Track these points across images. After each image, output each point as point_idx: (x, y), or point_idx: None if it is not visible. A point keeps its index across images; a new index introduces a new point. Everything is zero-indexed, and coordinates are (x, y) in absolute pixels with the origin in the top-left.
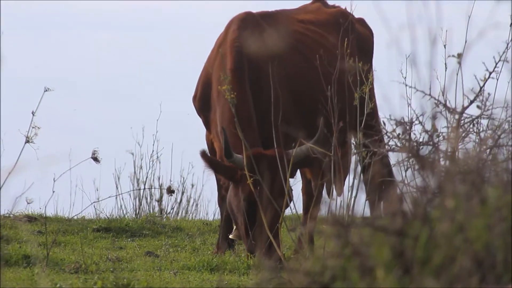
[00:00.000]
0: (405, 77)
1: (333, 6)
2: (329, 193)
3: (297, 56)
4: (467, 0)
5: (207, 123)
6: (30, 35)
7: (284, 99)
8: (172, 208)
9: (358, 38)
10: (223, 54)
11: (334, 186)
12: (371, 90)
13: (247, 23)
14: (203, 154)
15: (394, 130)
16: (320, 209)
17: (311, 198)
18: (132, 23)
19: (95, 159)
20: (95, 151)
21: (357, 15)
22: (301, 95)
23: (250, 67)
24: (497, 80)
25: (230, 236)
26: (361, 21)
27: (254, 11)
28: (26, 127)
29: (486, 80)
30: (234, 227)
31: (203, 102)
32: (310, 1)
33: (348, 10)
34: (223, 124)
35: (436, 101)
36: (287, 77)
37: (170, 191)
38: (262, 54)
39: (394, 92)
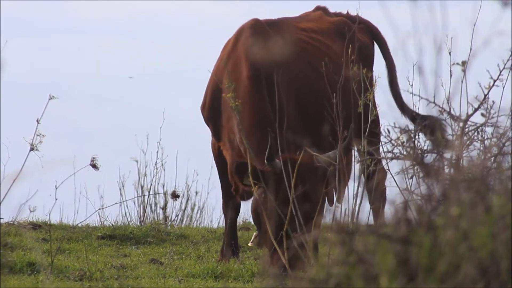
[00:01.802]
0: (412, 85)
1: (335, 14)
2: (332, 200)
3: (302, 64)
4: (473, 1)
5: (216, 132)
6: (33, 41)
7: (292, 106)
8: (177, 216)
9: (360, 46)
10: (235, 61)
11: (336, 194)
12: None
13: (258, 30)
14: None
15: (398, 138)
16: (324, 217)
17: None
18: (135, 29)
19: (94, 166)
20: (94, 158)
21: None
22: (307, 103)
23: (265, 74)
24: (503, 88)
25: (250, 244)
26: (362, 30)
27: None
28: (30, 134)
29: (491, 88)
30: (254, 234)
31: (212, 110)
32: (311, 9)
33: (353, 16)
34: (243, 130)
35: (440, 109)
36: (294, 84)
37: (175, 195)
38: (271, 61)
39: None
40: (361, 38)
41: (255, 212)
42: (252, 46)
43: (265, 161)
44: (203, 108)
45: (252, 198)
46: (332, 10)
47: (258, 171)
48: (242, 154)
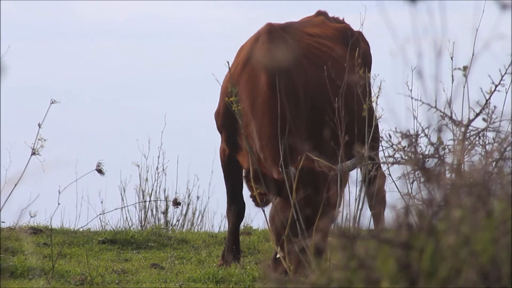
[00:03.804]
0: (411, 90)
1: (334, 19)
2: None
3: (315, 70)
4: (473, 3)
5: (230, 139)
6: (35, 44)
7: (308, 112)
8: (178, 220)
9: (362, 53)
10: (253, 67)
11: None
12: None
13: (274, 35)
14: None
15: (399, 143)
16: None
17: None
18: (138, 32)
19: (100, 171)
20: (99, 163)
21: (357, 28)
22: (321, 109)
23: (283, 80)
24: (506, 93)
25: (277, 257)
26: (360, 35)
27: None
28: (32, 138)
29: (492, 93)
30: (276, 247)
31: (227, 117)
32: (312, 14)
33: (357, 22)
34: (263, 137)
35: (442, 114)
36: (309, 90)
37: (176, 203)
38: (287, 66)
39: (400, 105)
40: (362, 45)
41: (273, 222)
42: (270, 52)
43: (280, 168)
44: (217, 115)
45: (273, 209)
46: (336, 15)
47: (268, 179)
48: (262, 161)
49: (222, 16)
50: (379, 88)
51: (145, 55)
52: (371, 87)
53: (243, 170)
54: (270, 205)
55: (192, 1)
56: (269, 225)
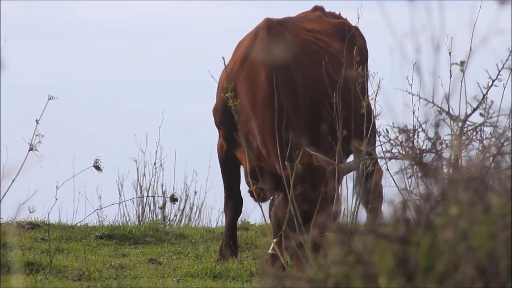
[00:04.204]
0: (411, 84)
1: (331, 14)
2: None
3: (314, 65)
4: (471, 1)
5: (229, 135)
6: (34, 43)
7: (307, 108)
8: (175, 215)
9: (359, 48)
10: (252, 63)
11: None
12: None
13: (273, 31)
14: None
15: (397, 138)
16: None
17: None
18: (135, 32)
19: (97, 167)
20: (97, 159)
21: (354, 23)
22: (320, 104)
23: (282, 76)
24: (504, 87)
25: (269, 251)
26: (356, 30)
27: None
28: (30, 134)
29: (489, 88)
30: (273, 241)
31: (225, 113)
32: (309, 9)
33: (354, 18)
34: (266, 133)
35: (439, 109)
36: (308, 85)
37: (173, 199)
38: (286, 62)
39: (397, 100)
40: (359, 40)
41: (276, 217)
42: (269, 47)
43: (286, 162)
44: (215, 111)
45: (272, 202)
46: (333, 10)
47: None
48: (262, 157)
49: (222, 16)
50: (378, 86)
51: (145, 55)
52: (368, 82)
53: (242, 167)
54: (269, 200)
55: (192, 1)
56: (271, 220)
